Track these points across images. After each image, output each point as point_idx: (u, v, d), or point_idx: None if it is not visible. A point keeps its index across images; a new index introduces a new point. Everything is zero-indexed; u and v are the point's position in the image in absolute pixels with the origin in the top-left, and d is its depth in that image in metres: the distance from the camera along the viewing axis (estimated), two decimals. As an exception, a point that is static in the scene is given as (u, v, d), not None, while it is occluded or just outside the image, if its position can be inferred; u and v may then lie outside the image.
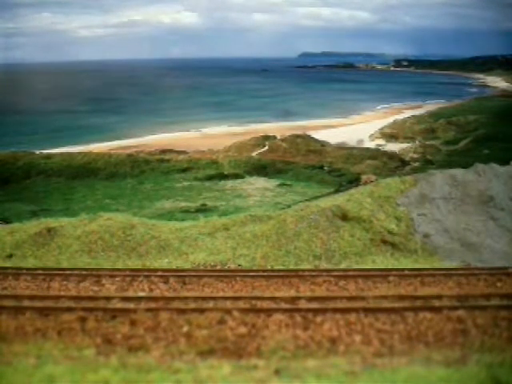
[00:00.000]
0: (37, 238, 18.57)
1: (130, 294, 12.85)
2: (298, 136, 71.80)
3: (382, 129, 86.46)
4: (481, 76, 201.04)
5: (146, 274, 13.99)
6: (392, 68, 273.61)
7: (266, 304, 12.24)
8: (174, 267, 15.52)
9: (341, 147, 70.94)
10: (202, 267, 15.79)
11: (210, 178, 55.71)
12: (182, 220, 23.84)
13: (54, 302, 12.15)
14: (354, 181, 40.79)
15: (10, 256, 17.79)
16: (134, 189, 52.07)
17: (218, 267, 15.75)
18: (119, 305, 12.06)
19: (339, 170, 60.78)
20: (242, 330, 11.02)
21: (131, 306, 11.97)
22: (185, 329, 11.09)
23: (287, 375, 8.72)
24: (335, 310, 11.58)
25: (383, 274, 13.46)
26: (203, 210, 40.19)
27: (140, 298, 12.46)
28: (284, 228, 18.91)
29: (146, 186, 53.09)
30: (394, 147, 74.08)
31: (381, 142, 78.63)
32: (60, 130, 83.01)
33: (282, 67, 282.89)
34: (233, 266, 15.70)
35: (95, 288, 13.78)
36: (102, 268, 15.38)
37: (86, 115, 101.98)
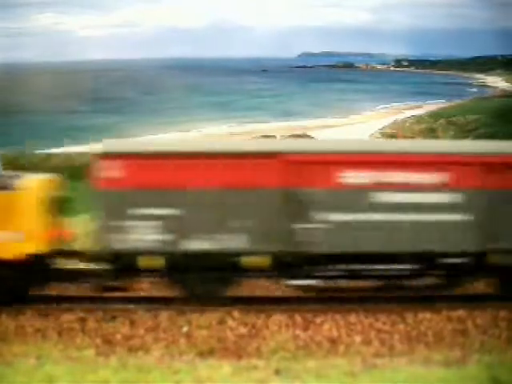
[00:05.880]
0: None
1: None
2: (298, 136, 71.79)
3: (382, 129, 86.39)
4: (481, 76, 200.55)
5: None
6: (392, 68, 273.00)
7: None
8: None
9: (341, 147, 70.86)
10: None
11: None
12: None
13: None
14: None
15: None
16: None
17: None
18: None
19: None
20: (242, 330, 11.00)
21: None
22: (185, 329, 11.08)
23: (287, 375, 8.71)
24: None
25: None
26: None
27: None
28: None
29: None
30: (394, 147, 74.06)
31: (381, 141, 78.68)
32: (60, 129, 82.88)
33: (282, 67, 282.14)
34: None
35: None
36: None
37: (86, 115, 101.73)
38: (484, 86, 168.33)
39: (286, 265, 11.52)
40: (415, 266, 11.50)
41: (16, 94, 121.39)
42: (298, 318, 11.37)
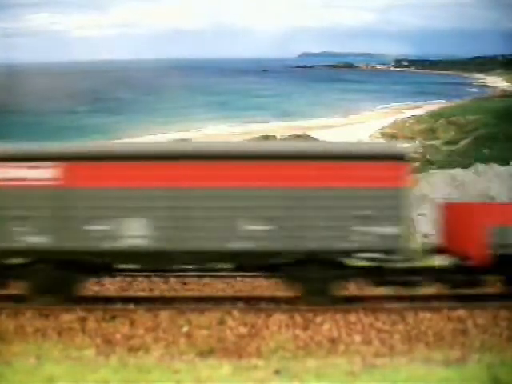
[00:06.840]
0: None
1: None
2: (297, 136, 71.71)
3: (382, 129, 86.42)
4: (481, 76, 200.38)
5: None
6: (392, 68, 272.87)
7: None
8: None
9: (341, 147, 70.68)
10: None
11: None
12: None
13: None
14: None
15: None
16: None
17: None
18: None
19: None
20: (242, 330, 11.00)
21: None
22: (185, 329, 11.08)
23: (287, 375, 8.70)
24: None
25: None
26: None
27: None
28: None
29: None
30: (394, 147, 73.91)
31: (381, 142, 78.53)
32: (60, 130, 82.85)
33: (282, 67, 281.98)
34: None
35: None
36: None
37: (85, 115, 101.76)
38: (484, 85, 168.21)
39: None
40: None
41: (12, 95, 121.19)
42: (298, 318, 11.37)
